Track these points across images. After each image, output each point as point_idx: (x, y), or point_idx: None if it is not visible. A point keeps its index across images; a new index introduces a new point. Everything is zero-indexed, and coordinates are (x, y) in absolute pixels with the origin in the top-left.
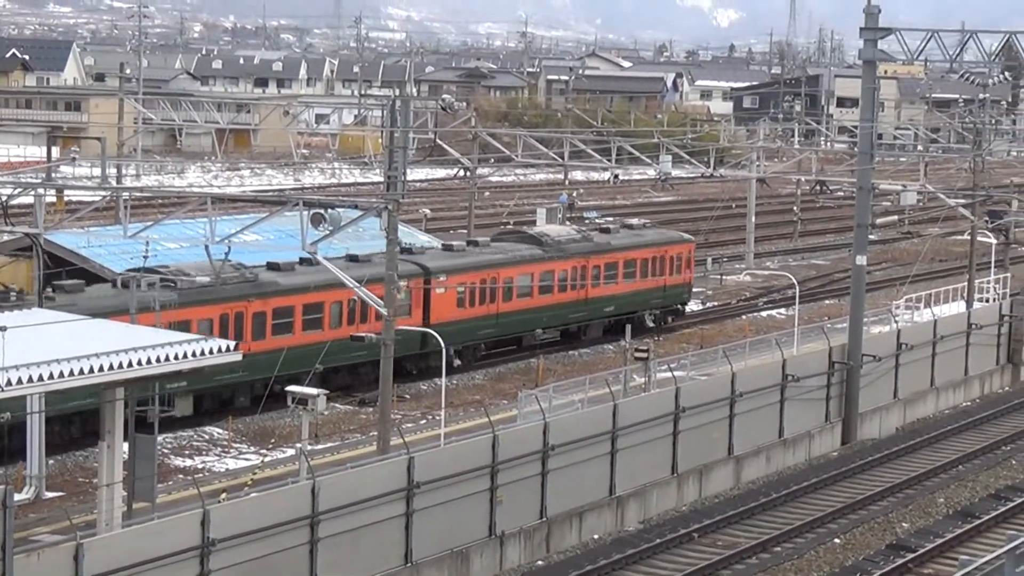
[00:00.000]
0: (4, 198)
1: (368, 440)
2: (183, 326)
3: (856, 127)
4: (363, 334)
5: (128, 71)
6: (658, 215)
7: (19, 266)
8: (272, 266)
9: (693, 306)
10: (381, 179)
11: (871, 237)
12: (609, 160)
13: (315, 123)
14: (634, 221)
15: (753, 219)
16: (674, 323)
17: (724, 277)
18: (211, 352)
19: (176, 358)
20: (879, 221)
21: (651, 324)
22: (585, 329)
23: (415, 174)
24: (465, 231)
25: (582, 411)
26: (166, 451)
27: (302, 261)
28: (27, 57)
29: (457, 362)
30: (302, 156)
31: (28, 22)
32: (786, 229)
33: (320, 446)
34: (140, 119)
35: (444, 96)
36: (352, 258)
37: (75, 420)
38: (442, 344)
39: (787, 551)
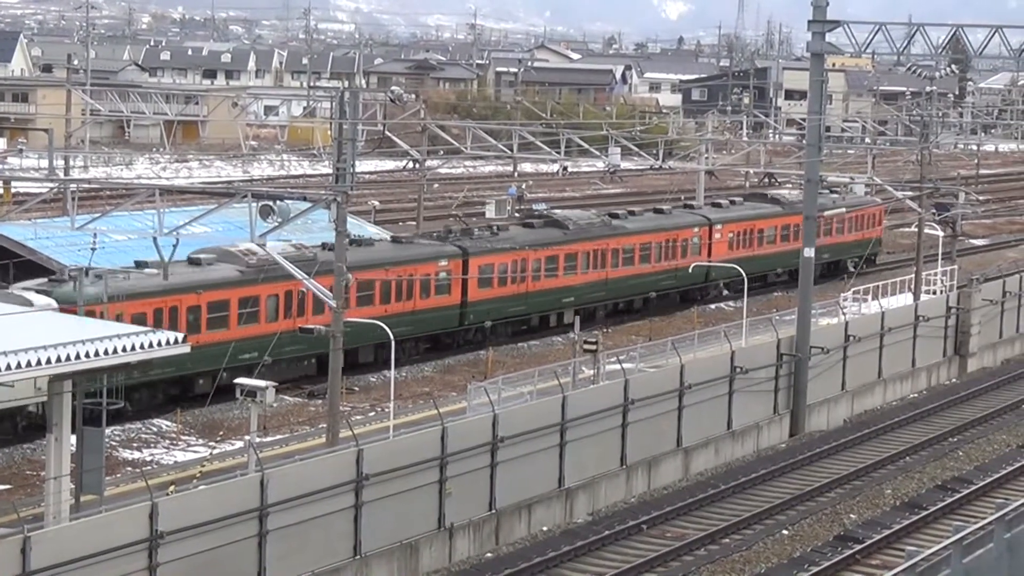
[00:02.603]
0: None
1: (317, 432)
2: (571, 256)
3: (804, 119)
4: (312, 326)
5: (76, 62)
6: (607, 207)
7: None
8: (613, 215)
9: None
10: (330, 171)
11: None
12: (558, 152)
13: (264, 115)
14: (824, 191)
15: None
16: (866, 270)
17: None
18: (159, 344)
19: (124, 350)
20: (827, 213)
21: (852, 269)
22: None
23: (364, 166)
24: (414, 223)
25: (531, 403)
26: (114, 444)
27: (631, 213)
28: None
29: (725, 292)
30: (251, 148)
31: None
32: None
33: (269, 438)
34: (88, 110)
35: (393, 88)
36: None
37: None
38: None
39: (735, 543)
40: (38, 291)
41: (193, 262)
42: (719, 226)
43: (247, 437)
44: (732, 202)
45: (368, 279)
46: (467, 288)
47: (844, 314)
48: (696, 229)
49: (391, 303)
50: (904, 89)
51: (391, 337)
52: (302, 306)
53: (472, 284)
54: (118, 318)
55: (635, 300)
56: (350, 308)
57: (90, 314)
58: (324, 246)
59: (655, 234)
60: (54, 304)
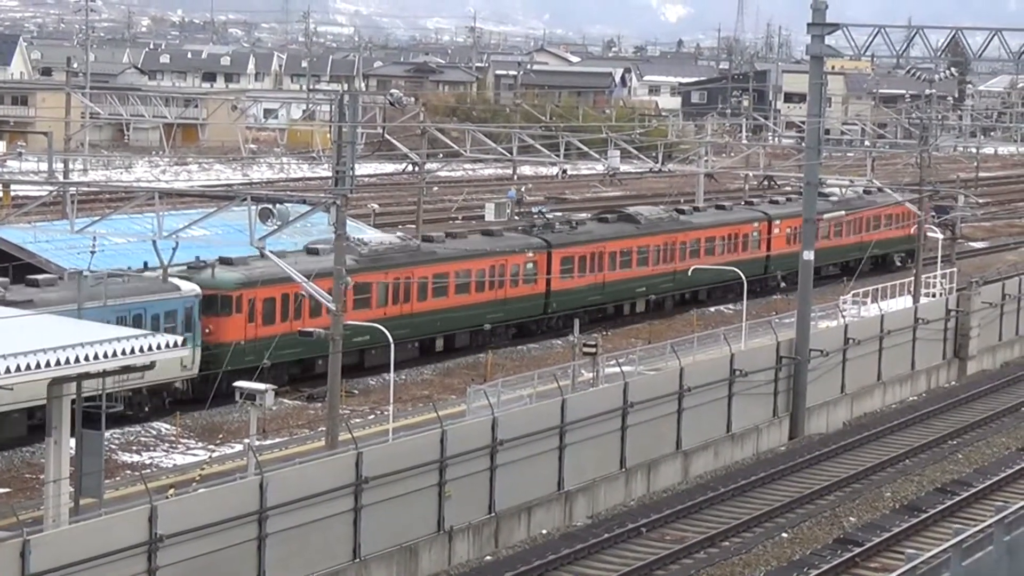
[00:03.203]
0: None
1: (316, 435)
2: (643, 248)
3: (803, 122)
4: (311, 329)
5: (75, 65)
6: (607, 209)
7: None
8: (680, 211)
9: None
10: (329, 174)
11: None
12: (557, 155)
13: (263, 118)
14: (873, 189)
15: None
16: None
17: None
18: (159, 347)
19: (124, 353)
20: (826, 216)
21: (898, 264)
22: (859, 262)
23: (363, 169)
24: (414, 226)
25: (530, 406)
26: (114, 447)
27: (696, 209)
28: None
29: (783, 284)
30: (250, 151)
31: None
32: None
33: (268, 441)
34: (87, 114)
35: (392, 91)
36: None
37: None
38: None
39: (735, 545)
40: (180, 277)
41: (311, 252)
42: (777, 222)
43: (246, 440)
44: (788, 199)
45: (465, 269)
46: (551, 278)
47: (843, 317)
48: (756, 224)
49: (484, 292)
50: (903, 92)
51: (390, 339)
52: (408, 293)
53: (554, 275)
54: (251, 302)
55: (700, 291)
56: (448, 297)
57: (227, 299)
58: (424, 238)
59: (719, 228)
60: (197, 289)
